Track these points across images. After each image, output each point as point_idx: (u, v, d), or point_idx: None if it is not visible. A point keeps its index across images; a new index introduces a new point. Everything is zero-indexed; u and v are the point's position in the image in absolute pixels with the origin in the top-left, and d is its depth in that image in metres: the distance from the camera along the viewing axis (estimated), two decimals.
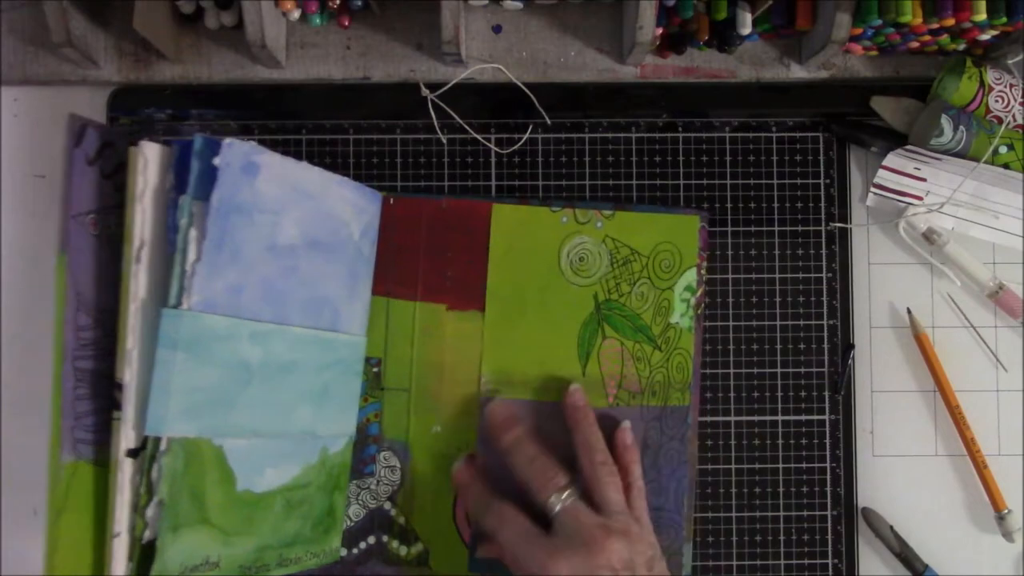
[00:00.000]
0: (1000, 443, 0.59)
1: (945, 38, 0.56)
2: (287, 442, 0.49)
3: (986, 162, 0.56)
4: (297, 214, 0.49)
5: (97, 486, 0.46)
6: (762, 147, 0.59)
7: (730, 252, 0.58)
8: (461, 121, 0.58)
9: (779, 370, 0.58)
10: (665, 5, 0.54)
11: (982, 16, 0.52)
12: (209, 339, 0.45)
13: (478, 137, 0.58)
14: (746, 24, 0.55)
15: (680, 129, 0.59)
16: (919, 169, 0.57)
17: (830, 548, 0.58)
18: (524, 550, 0.48)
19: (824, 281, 0.58)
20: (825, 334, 0.58)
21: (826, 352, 0.58)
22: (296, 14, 0.55)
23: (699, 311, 0.57)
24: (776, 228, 0.58)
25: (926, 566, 0.57)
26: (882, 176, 0.57)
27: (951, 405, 0.58)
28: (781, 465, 0.58)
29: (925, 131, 0.56)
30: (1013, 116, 0.57)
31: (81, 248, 0.47)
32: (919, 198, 0.57)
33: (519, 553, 0.48)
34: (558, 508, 0.49)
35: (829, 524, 0.58)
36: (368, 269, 0.54)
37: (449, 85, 0.57)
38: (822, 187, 0.59)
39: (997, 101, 0.57)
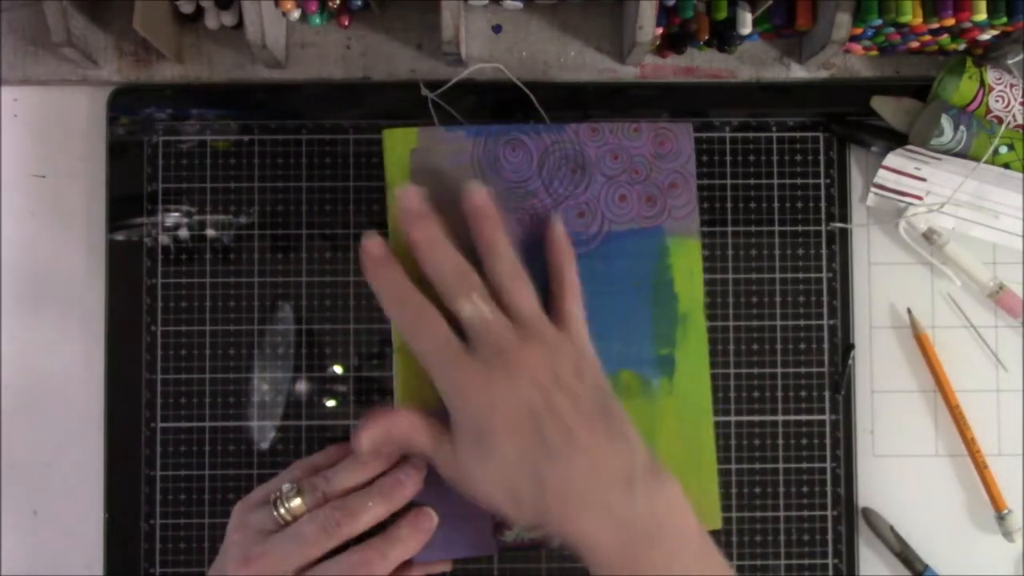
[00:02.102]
0: (1000, 443, 0.59)
1: (945, 38, 0.56)
2: None
3: (986, 162, 0.56)
4: None
5: None
6: (762, 147, 0.59)
7: (730, 252, 0.58)
8: (461, 120, 0.58)
9: (779, 370, 0.58)
10: (665, 5, 0.54)
11: (982, 16, 0.52)
12: None
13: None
14: (746, 24, 0.55)
15: None
16: (919, 169, 0.57)
17: (830, 548, 0.57)
18: (440, 364, 0.43)
19: (824, 281, 0.58)
20: (825, 334, 0.58)
21: (826, 352, 0.58)
22: (296, 14, 0.55)
23: None
24: (776, 228, 0.58)
25: (926, 566, 0.57)
26: (882, 176, 0.57)
27: (951, 405, 0.58)
28: (781, 465, 0.58)
29: (925, 131, 0.56)
30: (1013, 116, 0.57)
31: None
32: (919, 198, 0.57)
33: (434, 366, 0.43)
34: (468, 312, 0.43)
35: (829, 524, 0.58)
36: None
37: (449, 84, 0.57)
38: (822, 187, 0.59)
39: (997, 101, 0.57)
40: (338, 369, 0.58)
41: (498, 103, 0.58)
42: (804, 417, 0.58)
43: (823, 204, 0.59)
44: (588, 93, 0.59)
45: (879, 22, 0.53)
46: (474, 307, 0.43)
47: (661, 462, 0.43)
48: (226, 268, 0.58)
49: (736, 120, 0.59)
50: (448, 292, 0.44)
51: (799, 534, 0.57)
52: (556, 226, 0.47)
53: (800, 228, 0.58)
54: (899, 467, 0.59)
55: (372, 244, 0.45)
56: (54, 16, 0.52)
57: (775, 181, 0.59)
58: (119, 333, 0.57)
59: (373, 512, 0.44)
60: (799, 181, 0.59)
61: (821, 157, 0.59)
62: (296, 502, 0.45)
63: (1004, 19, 0.52)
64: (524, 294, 0.44)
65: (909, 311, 0.59)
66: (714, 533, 0.55)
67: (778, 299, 0.58)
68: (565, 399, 0.42)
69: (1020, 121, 0.57)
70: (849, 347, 0.58)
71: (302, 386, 0.58)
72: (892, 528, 0.57)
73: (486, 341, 0.43)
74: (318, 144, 0.58)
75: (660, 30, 0.55)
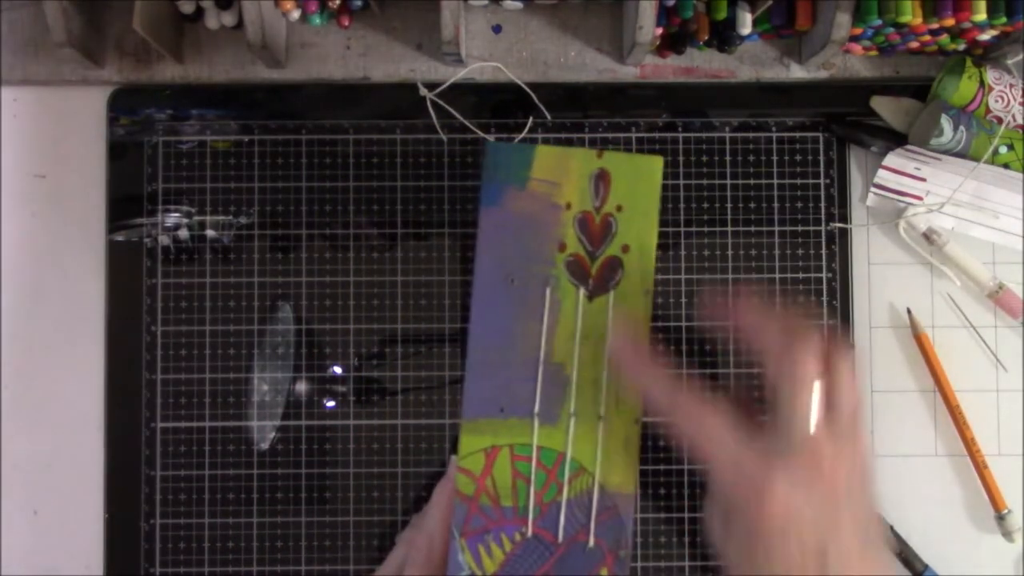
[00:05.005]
0: (1000, 443, 0.59)
1: (945, 38, 0.56)
2: None
3: (986, 162, 0.56)
4: None
5: None
6: (762, 147, 0.59)
7: (730, 252, 0.58)
8: (462, 119, 0.58)
9: None
10: (665, 5, 0.54)
11: (982, 16, 0.52)
12: None
13: (478, 132, 0.58)
14: (746, 24, 0.55)
15: (680, 129, 0.59)
16: (919, 169, 0.57)
17: None
18: (735, 460, 0.38)
19: (824, 281, 0.58)
20: (825, 334, 0.58)
21: None
22: (296, 14, 0.55)
23: None
24: (776, 228, 0.58)
25: (926, 566, 0.57)
26: (882, 176, 0.57)
27: (951, 405, 0.58)
28: None
29: (925, 131, 0.56)
30: (1013, 116, 0.57)
31: None
32: (919, 198, 0.57)
33: (727, 464, 0.39)
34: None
35: None
36: None
37: (447, 84, 0.57)
38: (822, 187, 0.59)
39: (997, 101, 0.57)
40: (338, 369, 0.58)
41: (498, 103, 0.58)
42: None
43: (823, 204, 0.59)
44: (588, 93, 0.59)
45: (879, 22, 0.53)
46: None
47: None
48: (226, 268, 0.58)
49: (736, 120, 0.59)
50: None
51: None
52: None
53: (800, 228, 0.58)
54: (899, 467, 0.59)
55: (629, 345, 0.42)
56: (54, 16, 0.52)
57: (775, 181, 0.59)
58: (119, 333, 0.57)
59: None
60: (799, 181, 0.59)
61: (821, 157, 0.59)
62: None
63: (1004, 19, 0.52)
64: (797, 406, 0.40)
65: (909, 311, 0.59)
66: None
67: (778, 299, 0.58)
68: (851, 521, 0.39)
69: (1020, 121, 0.57)
70: (849, 347, 0.58)
71: (302, 386, 0.58)
72: (892, 528, 0.57)
73: (800, 448, 0.39)
74: (318, 144, 0.58)
75: (660, 30, 0.56)
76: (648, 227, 0.42)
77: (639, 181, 0.42)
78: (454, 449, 0.56)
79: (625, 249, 0.42)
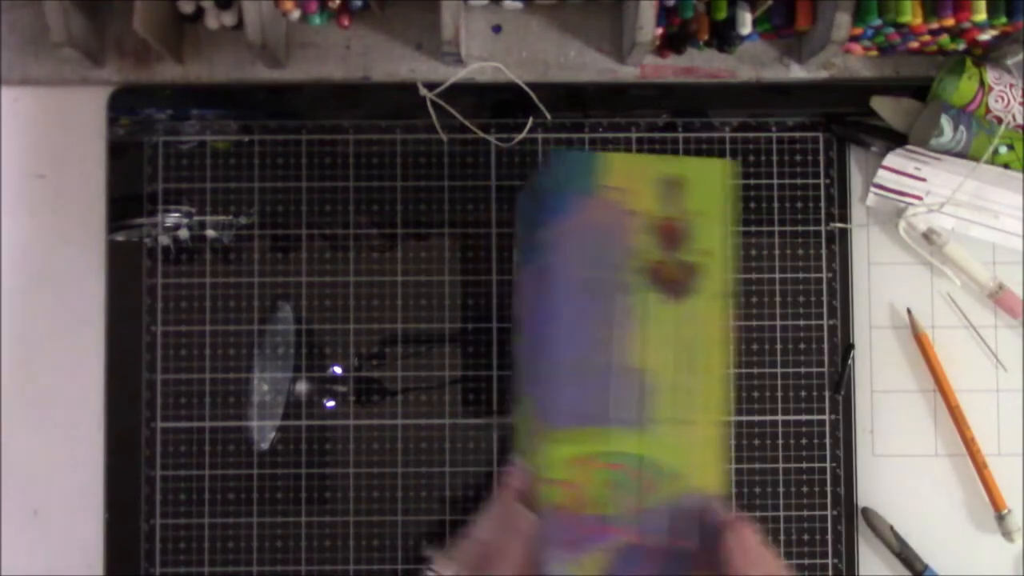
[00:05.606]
0: (1000, 443, 0.59)
1: (945, 38, 0.56)
2: None
3: (986, 162, 0.56)
4: None
5: None
6: (762, 147, 0.59)
7: (730, 252, 0.58)
8: (462, 119, 0.58)
9: (779, 370, 0.58)
10: (665, 5, 0.54)
11: (982, 16, 0.52)
12: None
13: (478, 132, 0.58)
14: (746, 24, 0.55)
15: (680, 129, 0.59)
16: (919, 169, 0.57)
17: (830, 548, 0.57)
18: None
19: (824, 281, 0.58)
20: (825, 334, 0.58)
21: (826, 352, 0.58)
22: (296, 14, 0.55)
23: None
24: (776, 228, 0.58)
25: (926, 566, 0.57)
26: (882, 176, 0.57)
27: (951, 405, 0.58)
28: (781, 465, 0.58)
29: (925, 131, 0.56)
30: (1013, 116, 0.57)
31: None
32: (919, 198, 0.57)
33: None
34: None
35: (829, 524, 0.58)
36: None
37: (447, 84, 0.57)
38: (822, 187, 0.59)
39: (997, 101, 0.57)
40: (338, 369, 0.58)
41: (498, 103, 0.58)
42: (804, 417, 0.58)
43: (823, 204, 0.59)
44: (588, 93, 0.59)
45: (879, 22, 0.53)
46: None
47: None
48: (226, 268, 0.58)
49: (736, 120, 0.59)
50: None
51: (799, 534, 0.57)
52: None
53: (800, 228, 0.58)
54: (899, 467, 0.59)
55: None
56: (54, 16, 0.52)
57: (775, 181, 0.59)
58: (119, 333, 0.57)
59: None
60: (799, 181, 0.59)
61: (821, 157, 0.59)
62: None
63: (1004, 19, 0.52)
64: None
65: (909, 311, 0.59)
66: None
67: (778, 299, 0.58)
68: None
69: (1020, 121, 0.57)
70: (849, 347, 0.58)
71: (302, 386, 0.58)
72: (892, 528, 0.57)
73: None
74: (318, 144, 0.58)
75: (660, 30, 0.56)
76: (721, 230, 0.42)
77: (709, 185, 0.42)
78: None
79: (700, 253, 0.42)
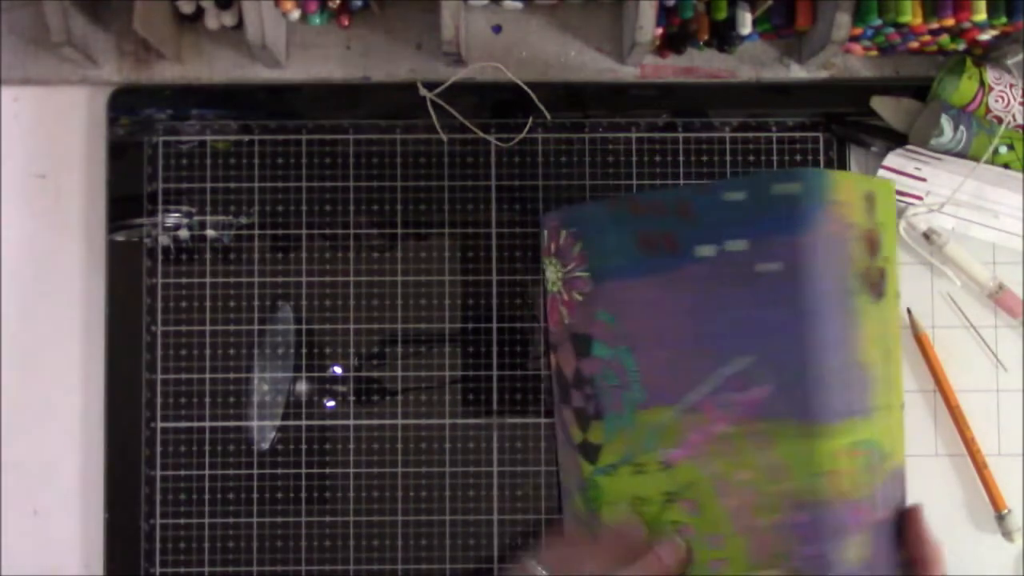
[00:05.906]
0: (1000, 443, 0.59)
1: (945, 38, 0.56)
2: None
3: (986, 162, 0.56)
4: None
5: None
6: (762, 147, 0.59)
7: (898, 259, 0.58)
8: (462, 119, 0.58)
9: None
10: (665, 5, 0.54)
11: (982, 16, 0.52)
12: None
13: (478, 132, 0.58)
14: (746, 24, 0.55)
15: (680, 129, 0.59)
16: (919, 169, 0.57)
17: None
18: None
19: None
20: None
21: None
22: (296, 14, 0.55)
23: None
24: None
25: None
26: (882, 176, 0.57)
27: (951, 405, 0.58)
28: None
29: (925, 131, 0.56)
30: (1013, 116, 0.57)
31: None
32: (919, 198, 0.57)
33: None
34: None
35: None
36: None
37: (447, 84, 0.57)
38: None
39: (997, 101, 0.57)
40: (338, 369, 0.58)
41: (498, 103, 0.58)
42: None
43: None
44: (588, 93, 0.59)
45: (879, 22, 0.53)
46: None
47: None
48: (226, 268, 0.58)
49: (736, 120, 0.59)
50: None
51: None
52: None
53: None
54: None
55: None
56: (54, 16, 0.52)
57: None
58: (119, 333, 0.57)
59: None
60: None
61: (821, 157, 0.59)
62: None
63: (1004, 19, 0.52)
64: None
65: (909, 311, 0.59)
66: None
67: None
68: None
69: (1020, 121, 0.57)
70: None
71: (302, 386, 0.58)
72: None
73: None
74: (318, 144, 0.58)
75: (660, 30, 0.56)
76: (895, 238, 0.48)
77: (888, 200, 0.47)
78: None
79: (885, 260, 0.47)
